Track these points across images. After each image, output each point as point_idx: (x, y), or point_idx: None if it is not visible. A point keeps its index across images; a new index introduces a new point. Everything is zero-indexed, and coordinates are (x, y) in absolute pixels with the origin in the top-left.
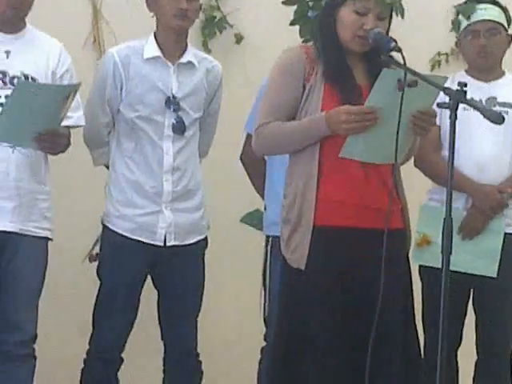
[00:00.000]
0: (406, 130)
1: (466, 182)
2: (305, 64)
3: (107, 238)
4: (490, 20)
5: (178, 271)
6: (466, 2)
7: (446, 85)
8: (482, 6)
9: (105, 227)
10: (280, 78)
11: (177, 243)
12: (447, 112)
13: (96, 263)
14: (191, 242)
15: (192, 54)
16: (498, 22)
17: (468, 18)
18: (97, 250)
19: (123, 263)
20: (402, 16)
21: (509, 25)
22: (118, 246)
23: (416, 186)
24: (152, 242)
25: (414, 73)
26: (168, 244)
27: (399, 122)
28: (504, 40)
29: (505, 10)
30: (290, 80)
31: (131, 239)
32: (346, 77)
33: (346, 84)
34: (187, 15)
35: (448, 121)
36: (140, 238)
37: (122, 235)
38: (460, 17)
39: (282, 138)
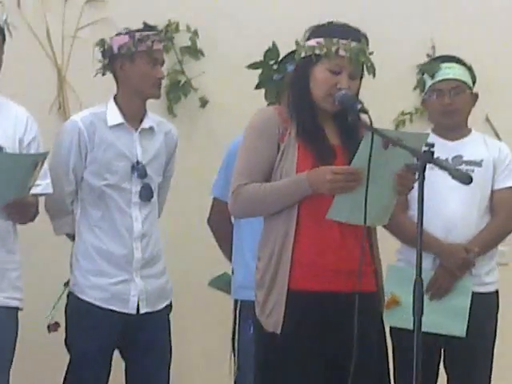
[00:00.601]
0: (393, 189)
1: (432, 241)
2: (278, 124)
3: (77, 308)
4: (454, 79)
5: (148, 338)
6: (430, 61)
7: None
8: (446, 64)
9: (74, 297)
10: (254, 138)
11: (148, 310)
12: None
13: (57, 332)
14: (161, 307)
15: (151, 118)
16: (462, 81)
17: (432, 77)
18: (55, 319)
19: (95, 333)
20: (374, 75)
21: (474, 83)
22: (89, 315)
23: (386, 246)
24: (125, 311)
25: (382, 134)
26: (141, 311)
27: (367, 182)
28: (469, 98)
29: (469, 68)
30: (265, 140)
31: (104, 308)
32: (319, 137)
33: (319, 144)
34: (161, 83)
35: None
36: (113, 307)
37: (94, 305)
38: (425, 76)
39: (261, 200)
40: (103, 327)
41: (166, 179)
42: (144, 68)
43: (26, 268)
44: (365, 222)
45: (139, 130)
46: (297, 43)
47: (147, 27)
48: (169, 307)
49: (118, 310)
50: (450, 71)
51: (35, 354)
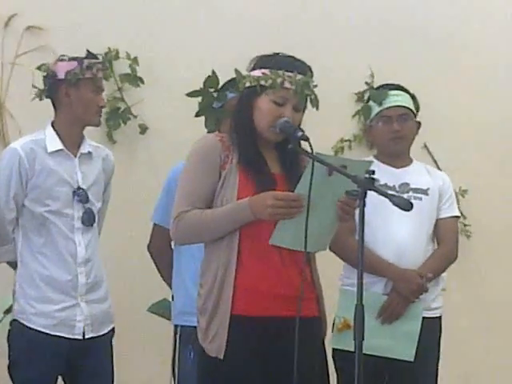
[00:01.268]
0: (334, 216)
1: (386, 266)
2: (220, 152)
3: (22, 336)
4: (402, 106)
5: (93, 363)
6: (377, 89)
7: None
8: (393, 92)
9: (19, 324)
10: (196, 165)
11: (93, 335)
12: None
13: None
14: (105, 332)
15: (88, 144)
16: (408, 108)
17: (380, 104)
18: None
19: (41, 360)
20: (317, 108)
21: (417, 111)
22: (35, 343)
23: (329, 271)
24: (71, 336)
25: (323, 162)
26: (86, 336)
27: (308, 208)
28: (414, 126)
29: (413, 97)
30: (206, 167)
31: (50, 335)
32: (260, 166)
33: (260, 173)
34: (102, 111)
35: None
36: (59, 333)
37: (41, 331)
38: (371, 103)
39: (203, 226)
40: (49, 354)
41: (104, 203)
42: (88, 95)
43: None
44: (305, 248)
45: (78, 155)
46: (236, 71)
47: (91, 55)
48: (112, 332)
49: (64, 335)
50: (397, 98)
51: None
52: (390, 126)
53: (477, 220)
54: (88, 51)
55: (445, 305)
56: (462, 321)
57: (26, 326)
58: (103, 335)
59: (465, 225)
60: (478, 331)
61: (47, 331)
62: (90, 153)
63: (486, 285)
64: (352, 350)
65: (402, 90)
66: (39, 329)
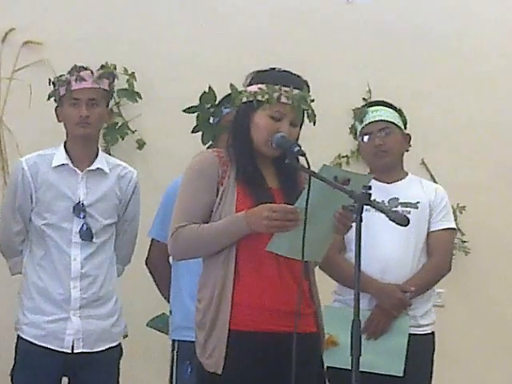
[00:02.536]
0: (331, 228)
1: (368, 281)
2: (217, 167)
3: (19, 346)
4: (381, 120)
5: (88, 378)
6: (358, 108)
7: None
8: (372, 108)
9: (17, 335)
10: (193, 181)
11: (85, 350)
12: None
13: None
14: (101, 349)
15: (104, 160)
16: (390, 122)
17: (361, 121)
18: None
19: (34, 371)
20: (314, 123)
21: (405, 125)
22: (27, 353)
23: (325, 287)
24: (59, 349)
25: (321, 178)
26: (76, 351)
27: (305, 222)
28: (400, 139)
29: (399, 111)
30: (204, 183)
31: (40, 346)
32: (257, 181)
33: (258, 188)
34: (89, 122)
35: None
36: (48, 345)
37: (31, 342)
38: (356, 122)
39: (200, 240)
40: (41, 365)
41: (127, 222)
42: (67, 110)
43: None
44: (302, 257)
45: (85, 171)
46: (231, 86)
47: (71, 69)
48: (115, 349)
49: (52, 347)
50: (376, 114)
51: None
52: (372, 141)
53: (475, 236)
54: (74, 66)
55: (443, 322)
56: (461, 338)
57: (20, 337)
58: (100, 352)
59: (463, 241)
60: (478, 349)
61: (36, 342)
62: (100, 169)
63: (484, 301)
64: (339, 366)
65: (383, 105)
66: (29, 339)
